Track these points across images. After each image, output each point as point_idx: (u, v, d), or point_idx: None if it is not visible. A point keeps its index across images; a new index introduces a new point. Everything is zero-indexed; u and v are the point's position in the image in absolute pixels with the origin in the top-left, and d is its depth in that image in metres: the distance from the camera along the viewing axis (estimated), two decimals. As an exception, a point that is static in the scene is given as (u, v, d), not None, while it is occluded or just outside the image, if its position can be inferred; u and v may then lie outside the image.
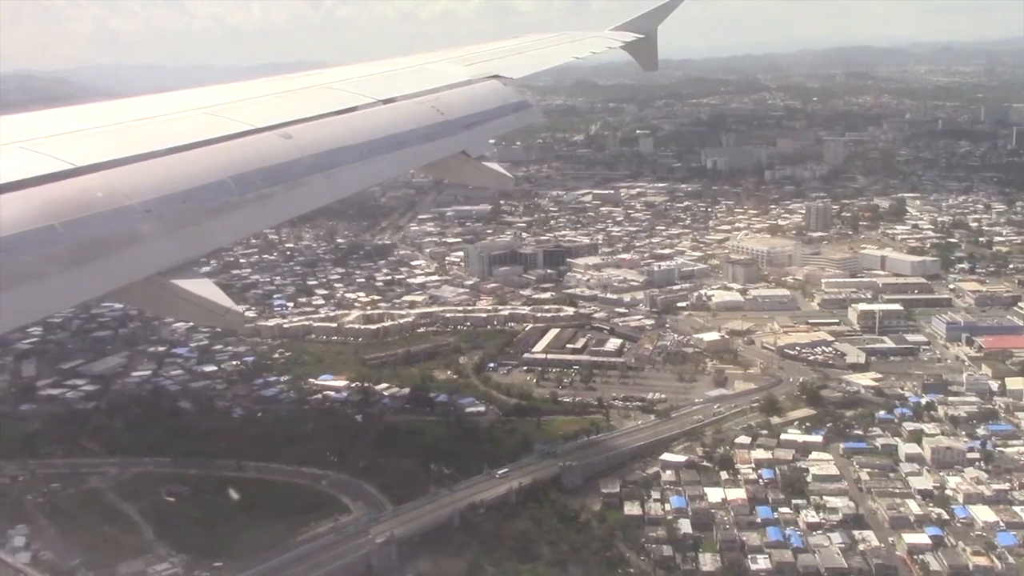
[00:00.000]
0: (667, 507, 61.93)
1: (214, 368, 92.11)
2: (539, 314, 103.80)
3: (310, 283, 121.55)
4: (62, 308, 9.86)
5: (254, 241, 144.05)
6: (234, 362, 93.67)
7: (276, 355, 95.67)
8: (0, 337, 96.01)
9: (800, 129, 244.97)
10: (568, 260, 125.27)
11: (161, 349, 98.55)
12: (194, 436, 77.14)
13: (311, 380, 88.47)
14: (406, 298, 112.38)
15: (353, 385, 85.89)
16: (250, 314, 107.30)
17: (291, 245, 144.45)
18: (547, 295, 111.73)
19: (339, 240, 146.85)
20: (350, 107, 13.32)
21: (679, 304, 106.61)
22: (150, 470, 72.74)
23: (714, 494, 62.89)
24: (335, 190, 11.62)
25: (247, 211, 9.88)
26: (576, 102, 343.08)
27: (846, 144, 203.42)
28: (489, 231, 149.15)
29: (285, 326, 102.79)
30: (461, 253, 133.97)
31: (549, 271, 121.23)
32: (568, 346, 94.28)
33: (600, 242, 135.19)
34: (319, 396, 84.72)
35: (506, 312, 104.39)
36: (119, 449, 75.61)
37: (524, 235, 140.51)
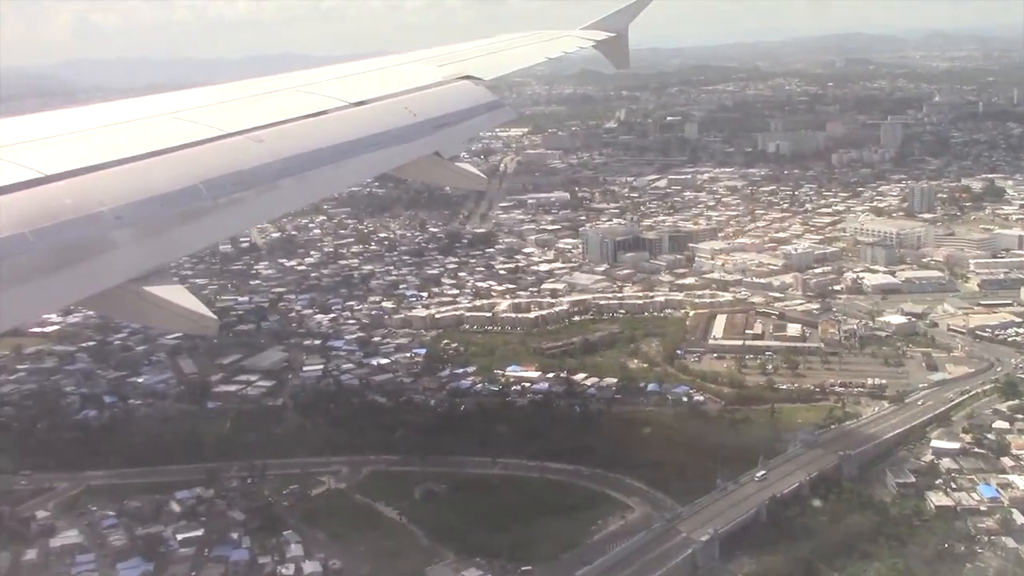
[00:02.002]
0: (975, 496, 59.34)
1: (386, 361, 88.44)
2: (696, 300, 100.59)
3: (430, 273, 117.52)
4: (34, 317, 10.88)
5: (342, 232, 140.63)
6: (407, 354, 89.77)
7: (442, 347, 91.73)
8: (143, 335, 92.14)
9: (836, 113, 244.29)
10: (690, 245, 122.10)
11: (316, 343, 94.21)
12: (412, 432, 73.70)
13: (497, 371, 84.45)
14: (545, 286, 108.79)
15: (549, 376, 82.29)
16: (387, 304, 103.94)
17: (384, 235, 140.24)
18: (690, 280, 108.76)
19: (432, 230, 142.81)
20: (321, 110, 13.21)
21: (832, 288, 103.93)
22: (383, 468, 69.24)
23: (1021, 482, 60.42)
24: (307, 194, 11.91)
25: (219, 216, 9.70)
26: (587, 91, 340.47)
27: (895, 127, 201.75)
28: (582, 218, 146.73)
29: (437, 317, 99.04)
30: (571, 240, 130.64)
31: (678, 256, 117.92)
32: (747, 332, 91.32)
33: (714, 227, 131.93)
34: (517, 388, 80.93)
35: (661, 299, 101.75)
36: (335, 447, 71.96)
37: (640, 221, 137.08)
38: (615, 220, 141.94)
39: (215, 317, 10.15)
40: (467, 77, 18.48)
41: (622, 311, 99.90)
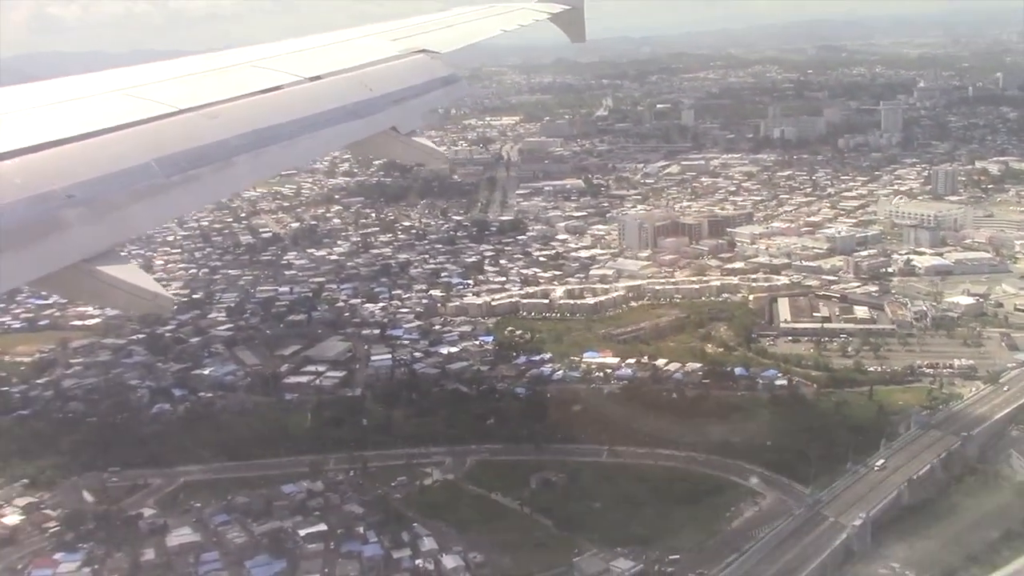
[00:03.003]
0: None
1: (455, 349, 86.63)
2: (752, 284, 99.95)
3: (470, 260, 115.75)
4: None
5: (364, 221, 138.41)
6: (474, 342, 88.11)
7: (506, 334, 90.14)
8: (193, 326, 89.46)
9: (826, 99, 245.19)
10: (728, 230, 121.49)
11: (375, 332, 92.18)
12: (505, 420, 72.13)
13: (572, 358, 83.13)
14: (593, 272, 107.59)
15: (629, 361, 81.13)
16: (435, 293, 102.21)
17: (408, 224, 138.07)
18: (738, 265, 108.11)
19: (455, 218, 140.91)
20: (276, 85, 12.86)
21: (883, 270, 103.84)
22: (487, 458, 67.51)
23: None
24: (262, 170, 11.58)
25: (173, 193, 9.48)
26: (566, 80, 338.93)
27: (895, 112, 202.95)
28: (604, 204, 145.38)
29: (493, 304, 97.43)
30: (602, 226, 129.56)
31: (719, 241, 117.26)
32: (815, 315, 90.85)
33: (749, 212, 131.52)
34: (599, 374, 79.63)
35: (716, 283, 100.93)
36: (431, 437, 70.30)
37: (686, 206, 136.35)
38: (639, 207, 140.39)
39: (170, 296, 9.95)
40: (422, 51, 17.89)
41: (678, 296, 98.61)
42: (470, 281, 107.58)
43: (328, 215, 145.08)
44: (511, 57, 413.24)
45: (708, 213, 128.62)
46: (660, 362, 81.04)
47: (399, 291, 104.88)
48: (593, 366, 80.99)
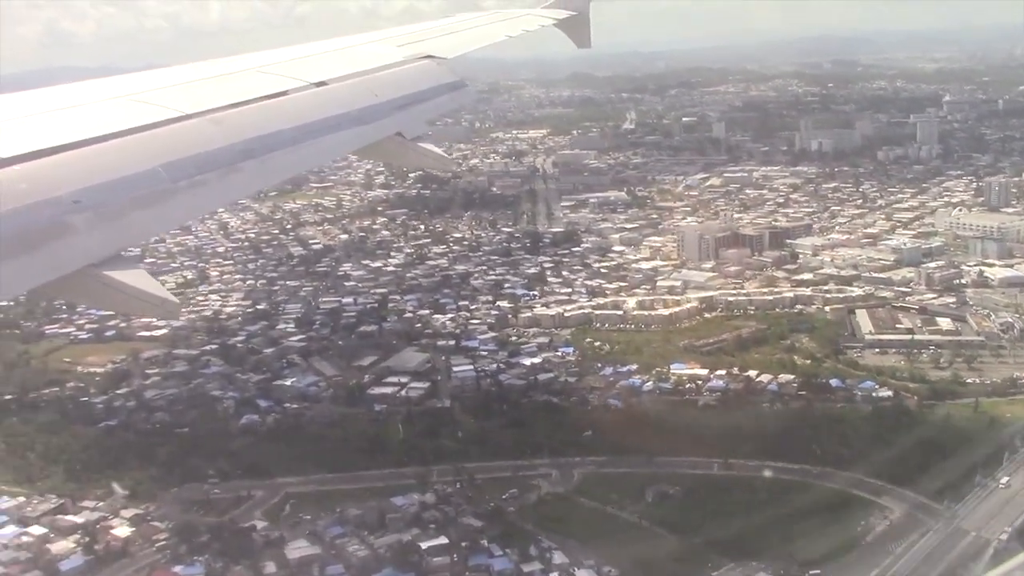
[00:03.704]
0: None
1: (537, 360, 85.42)
2: (826, 296, 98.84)
3: (530, 271, 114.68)
4: None
5: (413, 233, 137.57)
6: (555, 353, 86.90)
7: (585, 345, 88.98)
8: (264, 336, 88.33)
9: (854, 113, 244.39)
10: (787, 241, 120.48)
11: (449, 343, 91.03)
12: (603, 432, 70.81)
13: (658, 369, 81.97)
14: (661, 283, 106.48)
15: (719, 373, 79.96)
16: (503, 304, 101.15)
17: (458, 235, 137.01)
18: (806, 276, 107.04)
19: (504, 229, 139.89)
20: (281, 91, 12.89)
21: (956, 281, 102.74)
22: (593, 470, 66.26)
23: None
24: (269, 176, 11.66)
25: (179, 199, 9.56)
26: (585, 93, 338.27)
27: (931, 124, 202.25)
28: (654, 216, 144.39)
29: (566, 315, 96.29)
30: (657, 238, 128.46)
31: (782, 253, 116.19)
32: (897, 326, 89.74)
33: (807, 223, 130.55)
34: (691, 386, 78.45)
35: (789, 294, 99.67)
36: (531, 449, 69.20)
37: (737, 217, 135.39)
38: (690, 218, 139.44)
39: (177, 301, 9.85)
40: (428, 57, 18.00)
41: (752, 307, 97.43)
42: (535, 292, 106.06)
43: (375, 227, 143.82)
44: (523, 71, 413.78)
45: (767, 224, 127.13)
46: (751, 373, 79.26)
47: (464, 302, 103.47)
48: (684, 378, 79.48)
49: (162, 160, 9.56)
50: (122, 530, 58.92)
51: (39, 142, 8.81)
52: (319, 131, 12.42)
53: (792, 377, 77.99)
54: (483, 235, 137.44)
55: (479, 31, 24.55)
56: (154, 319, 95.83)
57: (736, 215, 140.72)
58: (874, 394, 74.88)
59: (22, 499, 63.49)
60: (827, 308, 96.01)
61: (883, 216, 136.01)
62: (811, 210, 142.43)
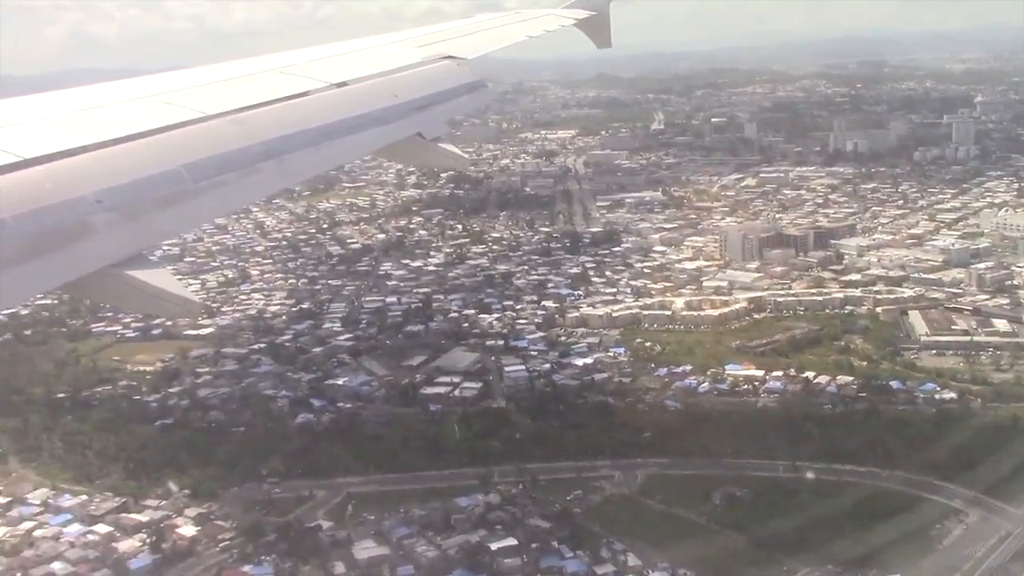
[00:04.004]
0: None
1: (589, 361, 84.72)
2: (876, 296, 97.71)
3: (573, 271, 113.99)
4: (15, 304, 10.26)
5: (451, 232, 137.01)
6: (606, 354, 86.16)
7: (636, 345, 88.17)
8: (310, 335, 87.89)
9: (885, 113, 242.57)
10: (831, 241, 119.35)
11: (498, 343, 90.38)
12: (663, 433, 70.13)
13: (712, 370, 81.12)
14: (707, 283, 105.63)
15: (776, 374, 79.07)
16: (548, 304, 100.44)
17: (496, 235, 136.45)
18: (854, 276, 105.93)
19: (542, 229, 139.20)
20: (302, 92, 12.96)
21: (1008, 283, 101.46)
22: (657, 472, 65.54)
23: None
24: (289, 176, 11.76)
25: (201, 199, 9.61)
26: (610, 93, 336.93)
27: (967, 125, 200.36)
28: (692, 216, 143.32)
29: (614, 315, 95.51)
30: (698, 238, 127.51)
31: (827, 253, 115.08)
32: (953, 328, 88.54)
33: (851, 224, 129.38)
34: (747, 387, 77.53)
35: (839, 295, 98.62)
36: (592, 450, 68.53)
37: (777, 218, 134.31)
38: (729, 219, 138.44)
39: (198, 301, 9.93)
40: (448, 57, 18.04)
41: (801, 308, 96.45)
42: (579, 292, 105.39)
43: (411, 226, 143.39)
44: (545, 71, 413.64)
45: (810, 225, 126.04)
46: (808, 375, 78.40)
47: (509, 302, 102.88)
48: (739, 379, 78.62)
49: (184, 160, 9.58)
50: (187, 529, 58.50)
51: (63, 143, 8.85)
52: (340, 132, 12.47)
53: (851, 379, 77.03)
54: (521, 235, 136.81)
55: (499, 32, 24.43)
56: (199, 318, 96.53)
57: (776, 215, 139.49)
58: (936, 396, 73.62)
59: (84, 497, 63.20)
60: (878, 309, 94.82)
61: (926, 217, 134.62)
62: (852, 211, 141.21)
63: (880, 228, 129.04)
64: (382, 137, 13.91)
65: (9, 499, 63.13)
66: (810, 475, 63.26)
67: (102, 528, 58.90)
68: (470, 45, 20.40)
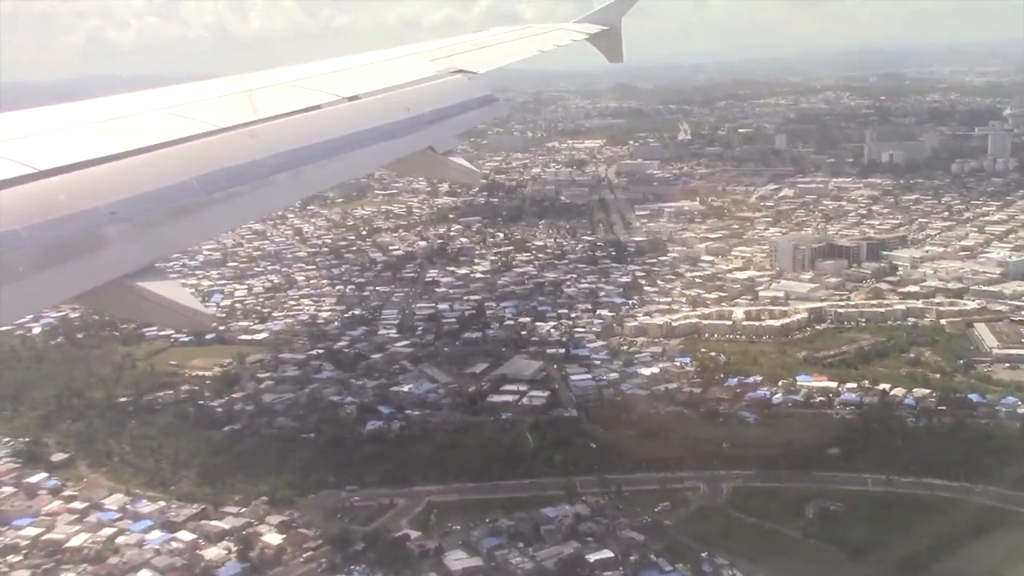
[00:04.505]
0: None
1: (655, 370, 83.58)
2: (939, 308, 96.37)
3: (621, 280, 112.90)
4: (27, 314, 9.56)
5: (492, 240, 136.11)
6: (672, 364, 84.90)
7: (700, 355, 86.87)
8: (367, 341, 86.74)
9: (912, 125, 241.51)
10: (883, 252, 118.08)
11: (559, 351, 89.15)
12: (742, 444, 69.32)
13: (783, 381, 79.84)
14: (763, 294, 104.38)
15: (849, 386, 77.83)
16: (604, 312, 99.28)
17: (540, 243, 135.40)
18: (912, 288, 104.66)
19: (585, 238, 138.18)
20: (315, 105, 13.06)
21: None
22: (742, 484, 64.19)
23: None
24: (302, 188, 11.91)
25: (213, 211, 9.66)
26: (631, 104, 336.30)
27: (1004, 138, 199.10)
28: (735, 226, 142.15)
29: (674, 325, 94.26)
30: (744, 248, 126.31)
31: (881, 265, 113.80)
32: (1023, 341, 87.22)
33: (903, 235, 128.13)
34: (821, 399, 76.25)
35: (900, 307, 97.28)
36: (672, 461, 67.20)
37: (821, 228, 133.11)
38: (772, 229, 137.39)
39: (210, 313, 10.22)
40: (460, 71, 18.06)
41: (863, 320, 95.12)
42: (633, 301, 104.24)
43: (451, 233, 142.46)
44: (563, 82, 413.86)
45: (860, 236, 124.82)
46: (882, 387, 77.06)
47: (563, 310, 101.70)
48: (813, 390, 77.32)
49: (197, 173, 9.62)
50: (272, 537, 57.26)
51: (77, 154, 8.89)
52: (351, 145, 12.50)
53: (927, 391, 75.47)
54: (564, 243, 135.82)
55: (511, 46, 24.36)
56: (251, 322, 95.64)
57: (821, 226, 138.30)
58: (1019, 410, 72.06)
59: (161, 503, 62.11)
60: (942, 321, 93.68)
61: (974, 229, 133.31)
62: (897, 222, 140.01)
63: (929, 240, 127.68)
64: (393, 150, 13.82)
65: (85, 504, 61.91)
66: (902, 489, 61.69)
67: (185, 535, 57.76)
68: (482, 59, 20.39)
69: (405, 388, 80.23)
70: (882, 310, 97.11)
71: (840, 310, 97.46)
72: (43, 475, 65.68)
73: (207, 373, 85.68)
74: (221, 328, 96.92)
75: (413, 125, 14.32)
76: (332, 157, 11.92)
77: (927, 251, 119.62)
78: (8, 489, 63.98)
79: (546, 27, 30.21)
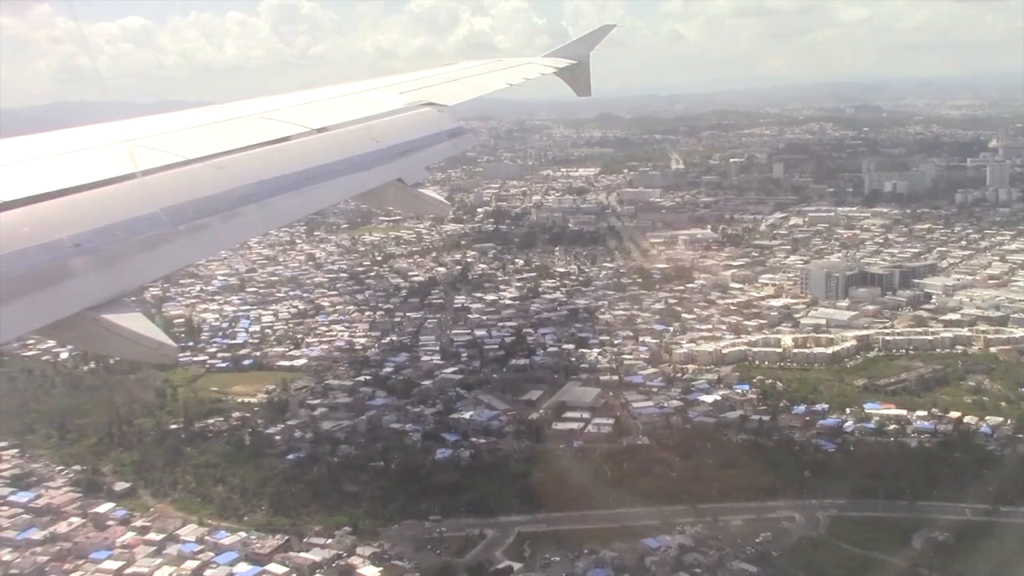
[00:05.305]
0: None
1: (716, 397, 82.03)
2: (988, 336, 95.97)
3: (655, 307, 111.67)
4: None
5: (511, 267, 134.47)
6: (732, 391, 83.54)
7: (755, 381, 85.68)
8: (413, 368, 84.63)
9: (903, 156, 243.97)
10: (914, 280, 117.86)
11: (612, 378, 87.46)
12: (827, 472, 67.86)
13: (851, 408, 78.72)
14: (805, 321, 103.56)
15: (920, 414, 76.75)
16: (651, 341, 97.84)
17: (563, 270, 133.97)
18: (953, 316, 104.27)
19: (607, 265, 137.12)
20: (283, 137, 13.04)
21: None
22: (838, 514, 62.85)
23: None
24: (269, 220, 11.73)
25: (180, 243, 9.60)
26: (616, 133, 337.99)
27: (1002, 168, 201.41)
28: (755, 253, 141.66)
29: (724, 352, 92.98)
30: (769, 275, 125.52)
31: (916, 293, 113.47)
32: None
33: (933, 263, 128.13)
34: (894, 427, 75.09)
35: (948, 335, 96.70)
36: (757, 490, 65.46)
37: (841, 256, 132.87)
38: (793, 256, 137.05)
39: (175, 345, 9.22)
40: (429, 104, 18.29)
41: (911, 347, 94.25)
42: (672, 328, 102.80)
43: (468, 260, 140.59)
44: (542, 111, 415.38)
45: (892, 263, 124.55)
46: (954, 414, 76.07)
47: (604, 336, 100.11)
48: (884, 418, 76.09)
49: (164, 204, 9.53)
50: (368, 569, 54.77)
51: (43, 186, 8.82)
52: (320, 176, 12.42)
53: (1001, 419, 74.41)
54: (586, 269, 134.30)
55: (481, 79, 24.49)
56: (283, 348, 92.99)
57: (843, 254, 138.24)
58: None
59: (241, 534, 59.17)
60: (991, 349, 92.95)
61: (996, 258, 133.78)
62: (916, 250, 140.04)
63: (954, 268, 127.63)
64: (362, 182, 13.68)
65: (161, 535, 58.99)
66: (999, 519, 60.38)
67: (277, 568, 54.92)
68: (452, 92, 20.46)
69: (466, 415, 77.69)
70: (929, 338, 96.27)
71: (887, 337, 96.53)
72: (110, 505, 62.65)
73: (252, 400, 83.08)
74: (256, 354, 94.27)
75: (382, 157, 14.24)
76: (300, 189, 11.79)
77: (958, 279, 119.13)
78: (76, 520, 60.82)
79: (516, 61, 30.32)
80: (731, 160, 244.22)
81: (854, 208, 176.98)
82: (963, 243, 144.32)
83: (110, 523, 60.62)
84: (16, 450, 71.88)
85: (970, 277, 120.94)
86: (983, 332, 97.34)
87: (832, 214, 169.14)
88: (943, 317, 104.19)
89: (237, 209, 10.50)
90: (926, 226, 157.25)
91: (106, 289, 8.41)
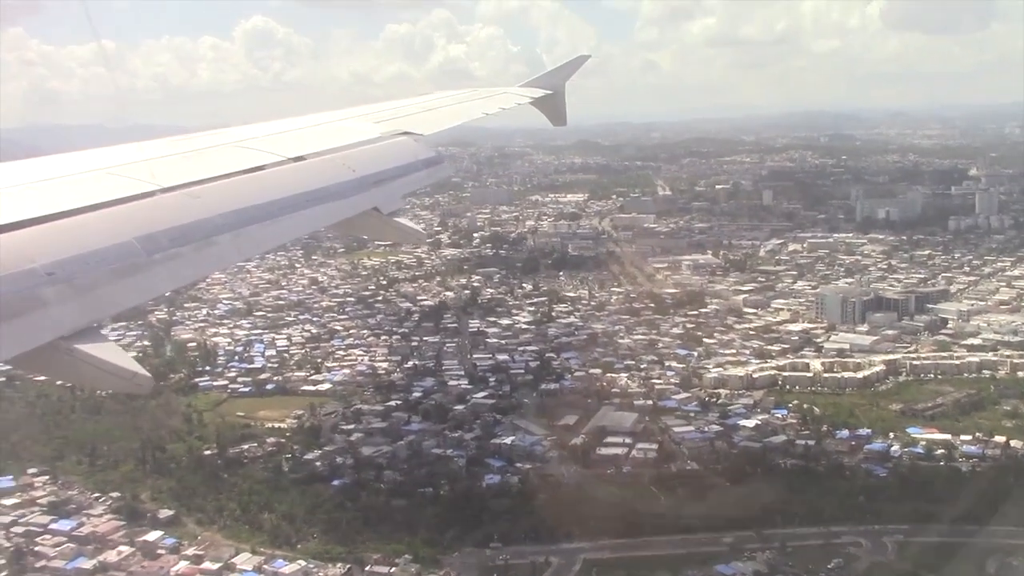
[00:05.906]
0: None
1: (756, 422, 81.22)
2: (1014, 360, 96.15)
3: (673, 331, 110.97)
4: None
5: (520, 291, 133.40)
6: (772, 416, 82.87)
7: (793, 406, 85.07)
8: (440, 391, 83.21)
9: (888, 184, 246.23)
10: (928, 306, 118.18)
11: (647, 403, 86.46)
12: (880, 497, 66.94)
13: (895, 433, 78.28)
14: (828, 345, 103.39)
15: (965, 438, 76.42)
16: (677, 366, 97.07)
17: (572, 294, 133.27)
18: (975, 341, 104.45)
19: (616, 290, 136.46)
20: (259, 165, 12.99)
21: None
22: (903, 540, 62.06)
23: None
24: (244, 249, 11.59)
25: (154, 272, 9.53)
26: (597, 160, 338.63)
27: (991, 196, 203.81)
28: (762, 279, 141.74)
29: (754, 376, 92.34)
30: (781, 301, 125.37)
31: (933, 318, 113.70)
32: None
33: (945, 288, 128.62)
34: (941, 451, 74.67)
35: (974, 359, 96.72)
36: (817, 515, 64.71)
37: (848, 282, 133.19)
38: (800, 282, 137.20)
39: (149, 375, 8.98)
40: (405, 133, 18.31)
41: (939, 372, 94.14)
42: (696, 352, 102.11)
43: (474, 284, 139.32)
44: (519, 138, 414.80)
45: (906, 289, 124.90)
46: (999, 439, 75.80)
47: (630, 361, 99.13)
48: (931, 443, 75.59)
49: (138, 233, 9.43)
50: (442, 600, 52.66)
51: (15, 214, 8.70)
52: (295, 206, 12.39)
53: (1041, 443, 74.06)
54: (595, 294, 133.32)
55: (457, 108, 24.63)
56: (304, 372, 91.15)
57: (853, 279, 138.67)
58: None
59: (301, 563, 57.22)
60: (1020, 374, 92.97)
61: (1002, 284, 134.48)
62: (922, 276, 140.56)
63: (962, 294, 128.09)
64: (338, 211, 13.69)
65: (218, 565, 56.81)
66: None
67: (347, 599, 52.83)
68: (428, 121, 20.47)
69: (507, 440, 76.11)
70: (956, 362, 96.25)
71: (914, 362, 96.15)
72: (158, 533, 60.29)
73: (281, 425, 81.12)
74: (277, 378, 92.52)
75: (359, 186, 14.17)
76: (276, 217, 11.71)
77: (971, 305, 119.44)
78: (125, 548, 58.50)
79: (492, 90, 30.37)
80: (717, 187, 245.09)
81: (849, 234, 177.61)
82: (966, 269, 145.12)
83: (160, 552, 58.26)
84: (47, 477, 69.14)
85: (983, 303, 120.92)
86: (1008, 357, 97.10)
87: (830, 240, 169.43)
88: (964, 342, 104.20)
89: (212, 238, 10.40)
90: (926, 252, 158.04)
91: (79, 318, 8.25)
